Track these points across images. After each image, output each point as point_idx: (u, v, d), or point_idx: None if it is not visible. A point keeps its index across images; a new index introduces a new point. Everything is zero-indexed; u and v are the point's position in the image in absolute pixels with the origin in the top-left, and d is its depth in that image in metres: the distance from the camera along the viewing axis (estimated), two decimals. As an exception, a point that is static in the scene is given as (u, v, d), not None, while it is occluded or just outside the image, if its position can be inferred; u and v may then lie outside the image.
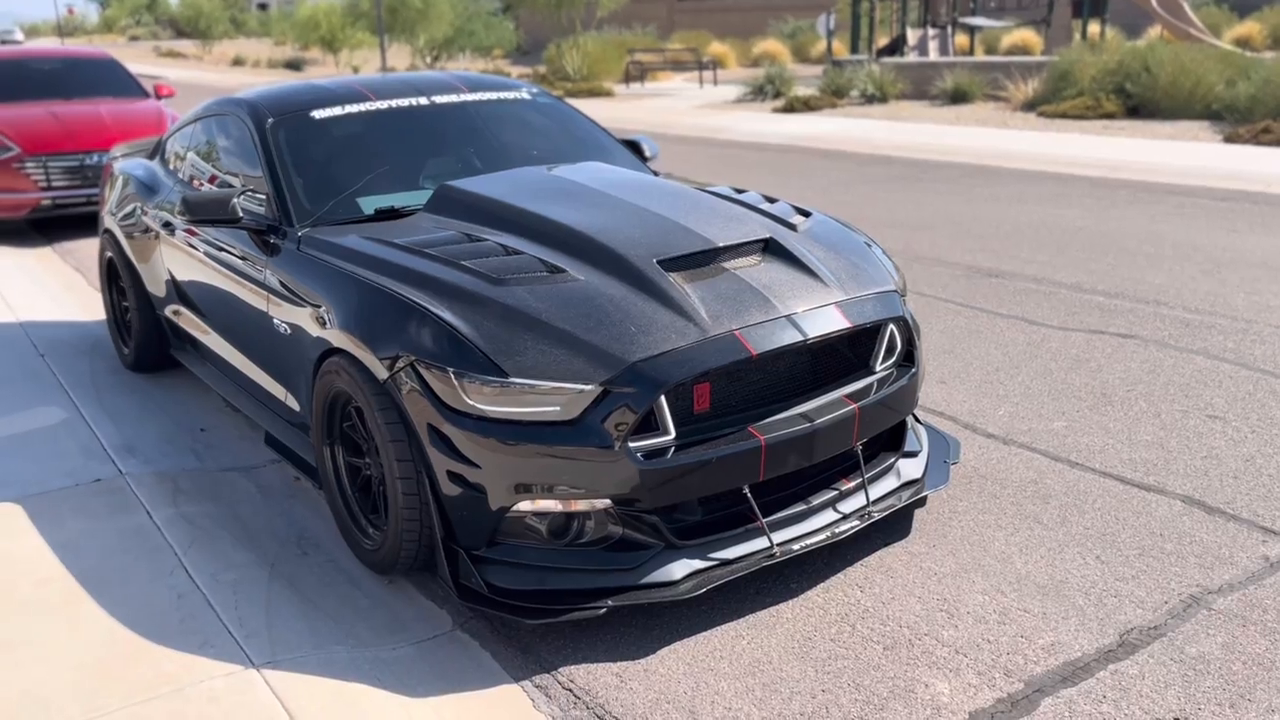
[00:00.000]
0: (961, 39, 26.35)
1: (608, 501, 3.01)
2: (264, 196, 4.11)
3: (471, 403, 2.98)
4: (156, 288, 5.11)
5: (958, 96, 17.96)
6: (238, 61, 48.23)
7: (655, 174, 4.76)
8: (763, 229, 3.62)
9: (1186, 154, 11.74)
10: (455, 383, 3.00)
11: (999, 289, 6.50)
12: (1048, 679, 2.78)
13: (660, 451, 3.01)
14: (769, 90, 20.75)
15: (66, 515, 3.78)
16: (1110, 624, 3.00)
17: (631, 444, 2.96)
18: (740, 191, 4.21)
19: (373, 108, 4.50)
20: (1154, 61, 15.29)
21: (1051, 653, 2.89)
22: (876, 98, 18.78)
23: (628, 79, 26.74)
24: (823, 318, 3.29)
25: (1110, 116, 15.16)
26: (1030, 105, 16.65)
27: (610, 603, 2.98)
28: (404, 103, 4.58)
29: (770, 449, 3.10)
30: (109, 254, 5.60)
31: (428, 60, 36.24)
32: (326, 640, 3.04)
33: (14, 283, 7.52)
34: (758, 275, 3.38)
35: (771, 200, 4.11)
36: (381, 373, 3.17)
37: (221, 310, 4.43)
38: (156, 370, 5.42)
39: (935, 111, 17.17)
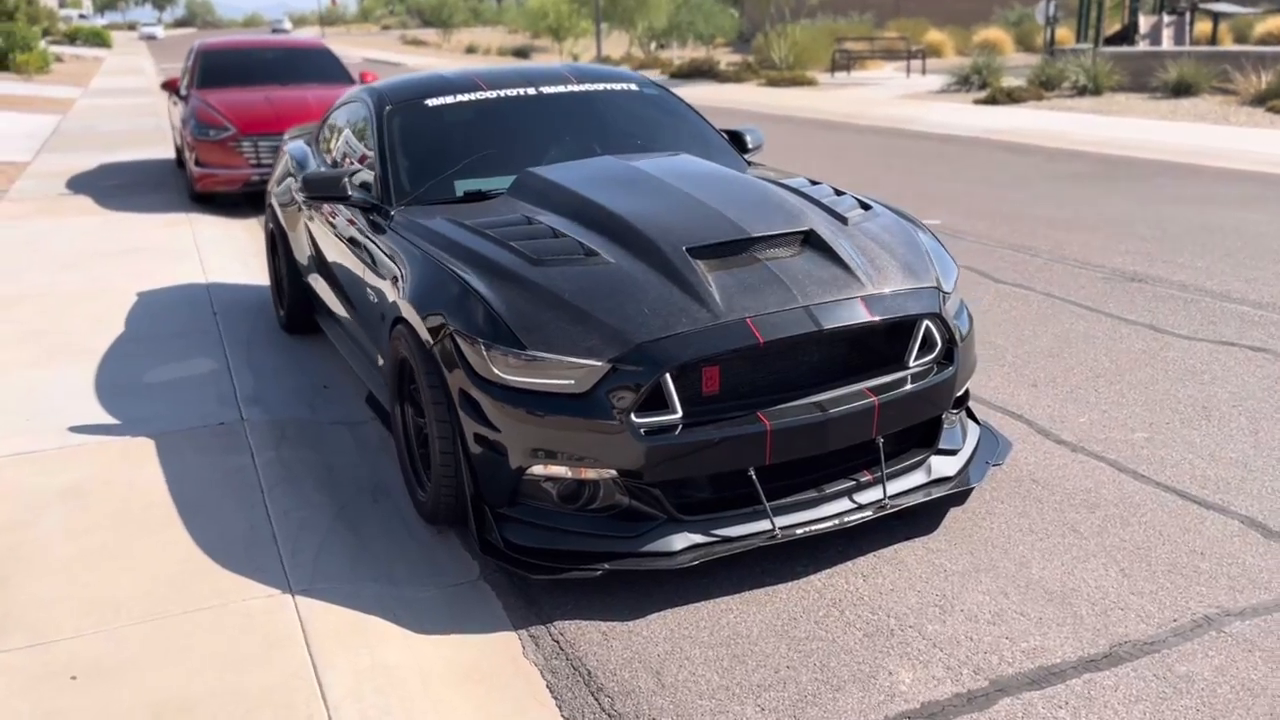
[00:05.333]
0: (1203, 26, 24.49)
1: (614, 472, 3.21)
2: (373, 176, 4.53)
3: (497, 371, 3.25)
4: (302, 256, 5.68)
5: (1180, 89, 16.78)
6: (470, 49, 50.88)
7: (749, 164, 4.89)
8: (806, 222, 3.70)
9: None
10: (484, 353, 3.27)
11: (1135, 294, 6.19)
12: (1015, 680, 2.77)
13: (667, 429, 3.18)
14: (974, 81, 20.05)
15: (187, 451, 4.34)
16: (1104, 635, 2.94)
17: (637, 419, 3.15)
18: (814, 184, 4.28)
19: (482, 96, 4.84)
20: None
21: (1030, 656, 2.86)
22: (1089, 89, 17.81)
23: (834, 68, 26.44)
24: (843, 310, 3.36)
25: (1352, 112, 13.81)
26: (1261, 99, 15.36)
27: (607, 566, 3.18)
28: (513, 92, 4.89)
29: (777, 434, 3.20)
30: (270, 225, 6.25)
31: (646, 48, 37.04)
32: (364, 576, 3.40)
33: (217, 248, 8.42)
34: (788, 266, 3.48)
35: (839, 193, 4.16)
36: (428, 339, 3.49)
37: (340, 278, 4.90)
38: (306, 332, 6.01)
39: (1150, 105, 16.13)
